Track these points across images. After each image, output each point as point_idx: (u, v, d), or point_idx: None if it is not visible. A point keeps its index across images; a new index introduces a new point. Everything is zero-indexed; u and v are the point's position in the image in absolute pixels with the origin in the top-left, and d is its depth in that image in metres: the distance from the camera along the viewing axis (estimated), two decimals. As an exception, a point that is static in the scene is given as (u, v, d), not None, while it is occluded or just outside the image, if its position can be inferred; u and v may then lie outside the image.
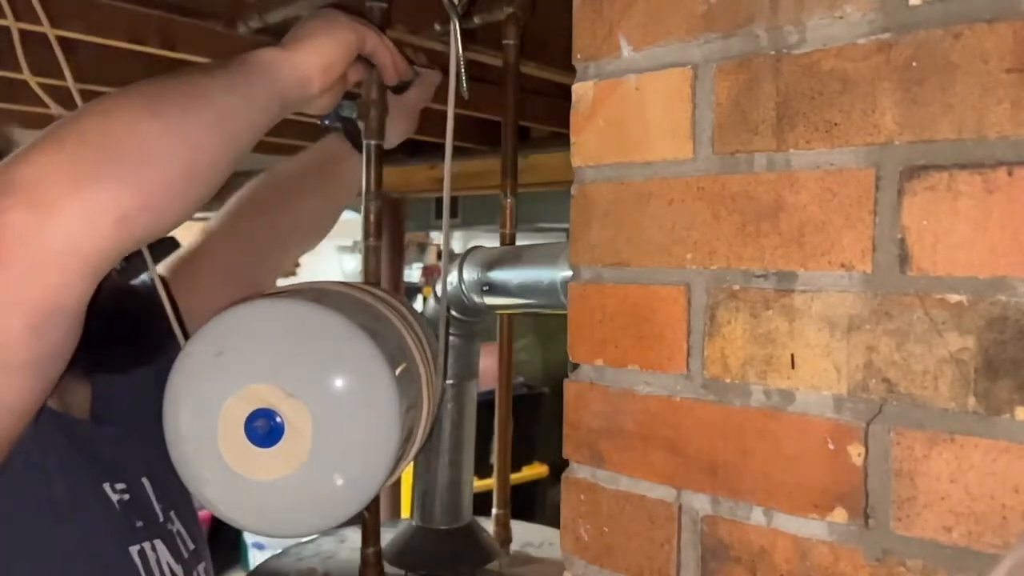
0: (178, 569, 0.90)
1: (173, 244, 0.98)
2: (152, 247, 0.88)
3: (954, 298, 0.52)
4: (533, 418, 3.86)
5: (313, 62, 0.80)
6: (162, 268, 1.05)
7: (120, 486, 0.87)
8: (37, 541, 0.77)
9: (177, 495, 0.96)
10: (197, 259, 1.05)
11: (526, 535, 1.21)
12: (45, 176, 0.62)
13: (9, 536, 0.75)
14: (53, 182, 0.62)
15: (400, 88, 1.00)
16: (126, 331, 0.90)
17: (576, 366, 0.72)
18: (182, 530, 0.94)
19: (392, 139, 1.08)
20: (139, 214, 0.65)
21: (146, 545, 0.86)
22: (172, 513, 0.94)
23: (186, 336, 0.95)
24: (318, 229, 1.19)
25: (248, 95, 0.74)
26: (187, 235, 1.04)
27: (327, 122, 0.94)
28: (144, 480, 0.91)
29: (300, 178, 1.11)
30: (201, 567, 0.96)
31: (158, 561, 0.87)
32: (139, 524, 0.88)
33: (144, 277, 1.04)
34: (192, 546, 0.95)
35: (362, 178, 0.99)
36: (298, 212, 1.12)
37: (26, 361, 0.65)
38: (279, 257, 1.17)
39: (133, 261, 0.89)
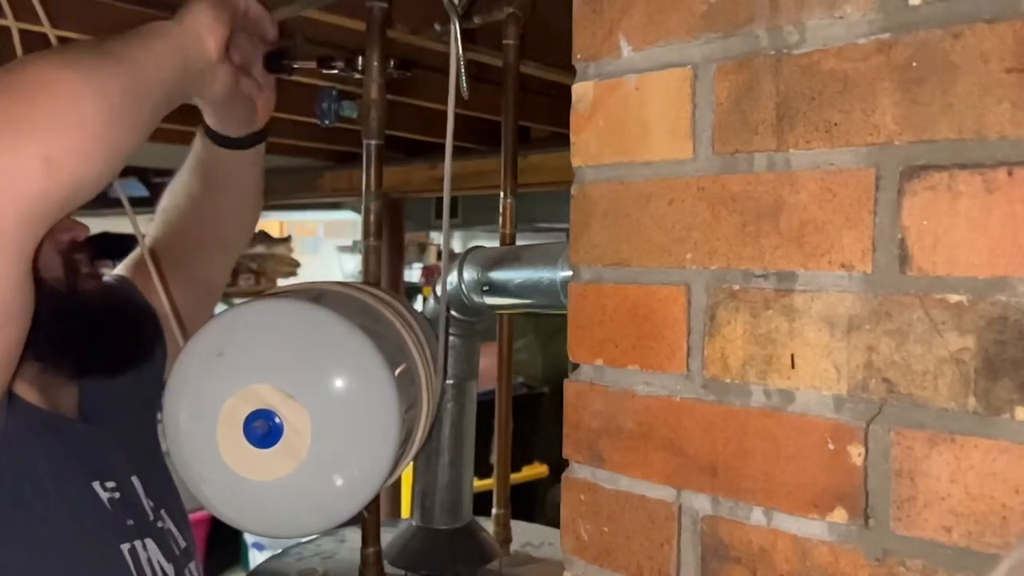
0: (169, 568, 0.90)
1: (132, 242, 1.00)
2: (112, 247, 0.90)
3: (954, 298, 0.52)
4: (533, 418, 3.85)
5: (200, 20, 0.84)
6: (121, 269, 1.06)
7: (110, 484, 0.88)
8: (28, 538, 0.78)
9: (166, 494, 0.97)
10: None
11: (526, 535, 1.21)
12: None
13: (1, 533, 0.76)
14: None
15: (275, 63, 0.99)
16: (114, 334, 0.90)
17: (576, 366, 0.72)
18: (172, 528, 0.95)
19: (230, 123, 1.03)
20: (64, 157, 0.67)
21: (137, 544, 0.87)
22: (162, 511, 0.94)
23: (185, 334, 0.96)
24: (242, 220, 1.15)
25: (148, 49, 0.78)
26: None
27: (327, 121, 0.95)
28: (134, 479, 0.92)
29: (190, 182, 1.09)
30: (192, 565, 0.96)
31: (149, 560, 0.87)
32: (130, 523, 0.88)
33: (114, 274, 1.05)
34: (183, 544, 0.95)
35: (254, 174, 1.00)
36: (210, 213, 1.10)
37: None
38: (223, 252, 1.16)
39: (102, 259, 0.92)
